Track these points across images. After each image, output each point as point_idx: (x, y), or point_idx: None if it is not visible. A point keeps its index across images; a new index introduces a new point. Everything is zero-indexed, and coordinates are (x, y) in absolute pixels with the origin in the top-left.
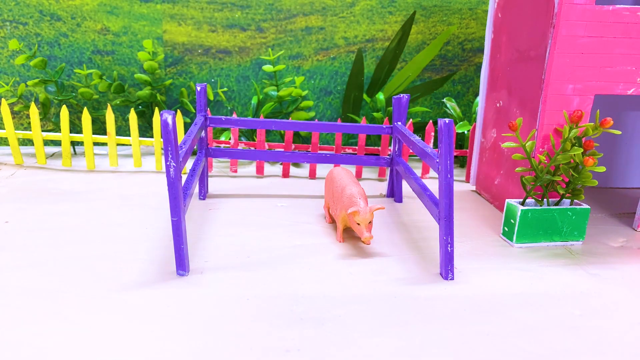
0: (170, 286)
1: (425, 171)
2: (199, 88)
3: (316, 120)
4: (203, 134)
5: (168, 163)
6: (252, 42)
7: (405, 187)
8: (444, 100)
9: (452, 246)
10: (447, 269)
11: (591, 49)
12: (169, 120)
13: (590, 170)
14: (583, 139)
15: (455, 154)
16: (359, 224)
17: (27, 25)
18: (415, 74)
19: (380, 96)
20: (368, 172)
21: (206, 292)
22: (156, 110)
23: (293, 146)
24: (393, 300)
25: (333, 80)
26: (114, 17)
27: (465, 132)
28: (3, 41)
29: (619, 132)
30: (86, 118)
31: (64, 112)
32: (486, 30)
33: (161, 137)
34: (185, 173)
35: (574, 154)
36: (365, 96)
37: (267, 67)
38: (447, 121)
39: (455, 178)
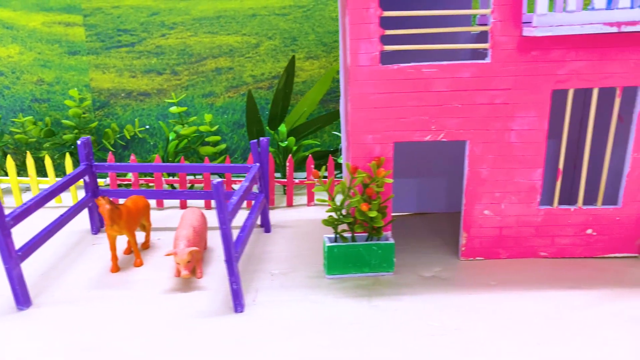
0: None
1: (289, 202)
2: (79, 142)
3: (228, 151)
4: (87, 179)
5: None
6: (168, 84)
7: (284, 216)
8: (337, 132)
9: (237, 284)
10: (235, 304)
11: (384, 103)
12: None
13: None
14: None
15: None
16: (178, 264)
17: None
18: (311, 108)
19: (283, 128)
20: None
21: None
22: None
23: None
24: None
25: (244, 114)
26: (47, 69)
27: None
28: None
29: (391, 181)
30: (10, 163)
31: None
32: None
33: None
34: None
35: (356, 201)
36: (267, 129)
37: (173, 109)
38: (215, 182)
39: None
